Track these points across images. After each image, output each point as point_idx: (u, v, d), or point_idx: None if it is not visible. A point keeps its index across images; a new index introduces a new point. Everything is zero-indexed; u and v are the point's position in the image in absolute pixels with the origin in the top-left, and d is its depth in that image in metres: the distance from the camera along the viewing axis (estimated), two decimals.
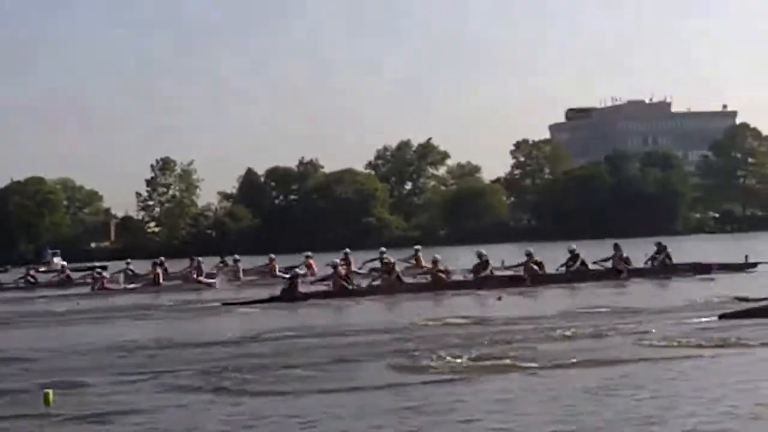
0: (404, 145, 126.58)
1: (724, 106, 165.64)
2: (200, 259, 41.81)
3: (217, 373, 14.45)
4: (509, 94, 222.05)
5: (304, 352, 16.77)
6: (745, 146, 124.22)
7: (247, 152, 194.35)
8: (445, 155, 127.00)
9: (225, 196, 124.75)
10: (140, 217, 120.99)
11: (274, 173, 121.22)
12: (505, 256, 35.16)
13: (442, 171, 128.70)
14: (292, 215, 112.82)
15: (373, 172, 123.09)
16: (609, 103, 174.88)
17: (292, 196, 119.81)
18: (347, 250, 39.72)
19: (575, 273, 31.30)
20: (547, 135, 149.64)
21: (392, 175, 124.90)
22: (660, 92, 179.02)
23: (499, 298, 26.57)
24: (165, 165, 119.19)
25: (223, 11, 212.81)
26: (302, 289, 29.56)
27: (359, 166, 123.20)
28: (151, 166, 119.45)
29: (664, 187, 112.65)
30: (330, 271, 30.74)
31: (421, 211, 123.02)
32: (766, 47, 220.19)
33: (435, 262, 31.64)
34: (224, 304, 28.05)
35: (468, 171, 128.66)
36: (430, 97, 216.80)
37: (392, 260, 33.94)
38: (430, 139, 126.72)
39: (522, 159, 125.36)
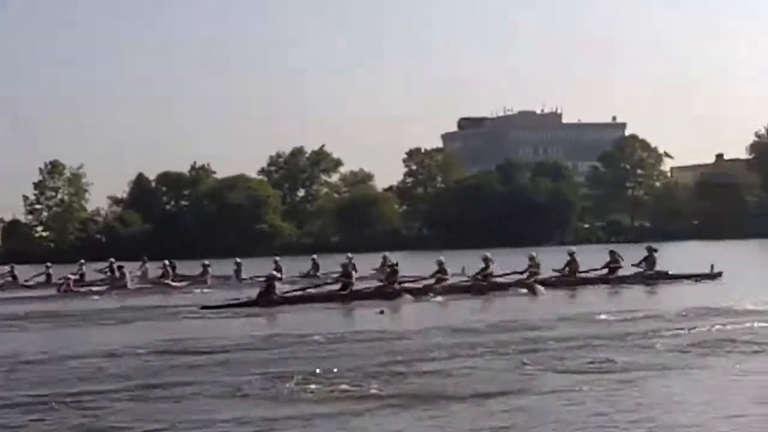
0: (298, 152, 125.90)
1: (614, 118, 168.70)
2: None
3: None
4: (403, 103, 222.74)
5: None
6: (633, 157, 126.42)
7: (139, 156, 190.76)
8: (339, 162, 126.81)
9: (115, 201, 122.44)
10: (28, 221, 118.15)
11: (166, 178, 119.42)
12: (401, 264, 35.21)
13: (335, 178, 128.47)
14: (183, 221, 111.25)
15: (266, 179, 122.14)
16: (501, 113, 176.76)
17: (184, 202, 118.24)
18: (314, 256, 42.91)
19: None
20: (439, 144, 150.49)
21: (285, 181, 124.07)
22: (551, 103, 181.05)
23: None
24: (54, 168, 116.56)
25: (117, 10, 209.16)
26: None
27: (252, 172, 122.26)
28: (40, 169, 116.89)
29: (554, 197, 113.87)
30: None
31: (313, 218, 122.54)
32: (652, 60, 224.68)
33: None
34: (203, 307, 28.28)
35: (361, 179, 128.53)
36: (324, 104, 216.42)
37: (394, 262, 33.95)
38: (323, 146, 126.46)
39: (414, 167, 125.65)
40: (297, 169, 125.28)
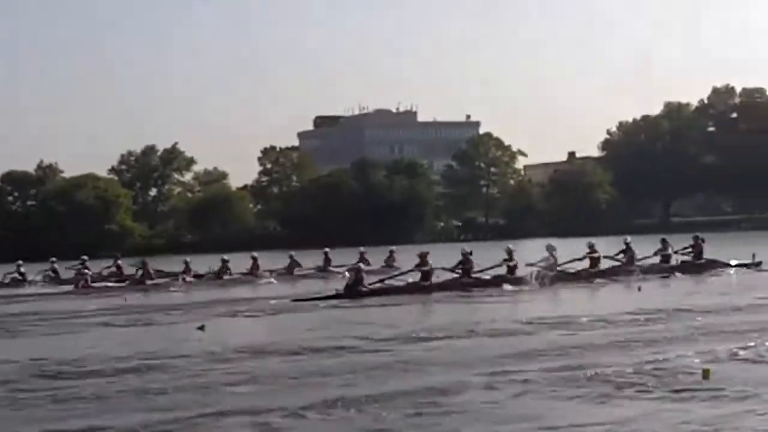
0: (149, 150, 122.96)
1: (468, 117, 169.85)
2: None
3: None
4: (260, 103, 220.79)
5: None
6: (488, 156, 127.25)
7: None
8: (191, 161, 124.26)
9: None
10: None
11: (11, 177, 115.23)
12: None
13: (188, 177, 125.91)
14: (29, 221, 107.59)
15: (116, 178, 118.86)
16: (357, 112, 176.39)
17: (30, 202, 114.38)
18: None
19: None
20: (295, 142, 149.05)
21: (137, 180, 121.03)
22: (407, 102, 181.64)
23: None
24: None
25: None
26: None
27: (102, 171, 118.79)
28: None
29: (410, 195, 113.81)
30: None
31: (166, 218, 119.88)
32: (506, 59, 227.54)
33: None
34: (294, 300, 28.70)
35: (215, 177, 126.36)
36: (176, 103, 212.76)
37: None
38: (176, 144, 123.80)
39: (269, 166, 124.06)
40: (149, 168, 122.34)
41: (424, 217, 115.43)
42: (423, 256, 31.35)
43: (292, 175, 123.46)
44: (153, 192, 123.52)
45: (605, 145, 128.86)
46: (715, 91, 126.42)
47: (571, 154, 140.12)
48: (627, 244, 35.12)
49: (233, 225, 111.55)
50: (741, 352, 15.01)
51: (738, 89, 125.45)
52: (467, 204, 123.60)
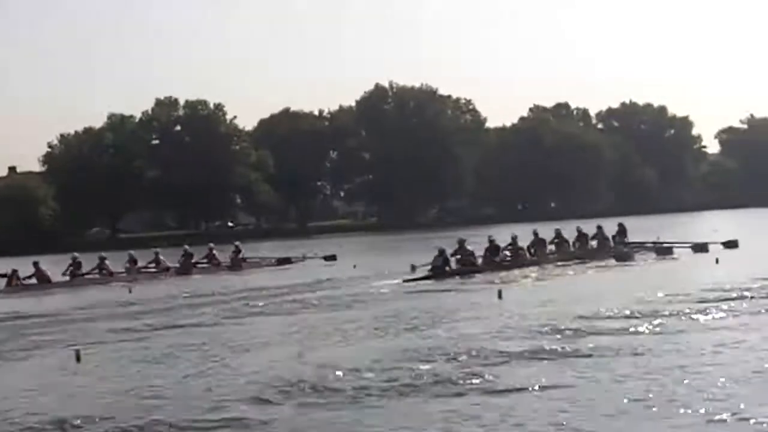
0: None
1: None
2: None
3: None
4: None
5: None
6: None
7: None
8: None
9: None
10: None
11: None
12: None
13: None
14: None
15: None
16: None
17: None
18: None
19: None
20: None
21: None
22: None
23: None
24: None
25: None
26: None
27: None
28: None
29: None
30: None
31: None
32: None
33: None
34: (405, 281, 30.45)
35: None
36: None
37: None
38: None
39: None
40: None
41: None
42: None
43: None
44: None
45: (47, 159, 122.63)
46: (159, 103, 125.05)
47: (12, 169, 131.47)
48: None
49: None
50: None
51: (182, 101, 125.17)
52: None
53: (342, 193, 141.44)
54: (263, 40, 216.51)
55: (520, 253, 35.49)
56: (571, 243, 38.09)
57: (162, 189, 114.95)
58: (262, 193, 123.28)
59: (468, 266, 33.16)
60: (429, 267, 32.43)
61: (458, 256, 33.79)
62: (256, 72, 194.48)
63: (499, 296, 23.32)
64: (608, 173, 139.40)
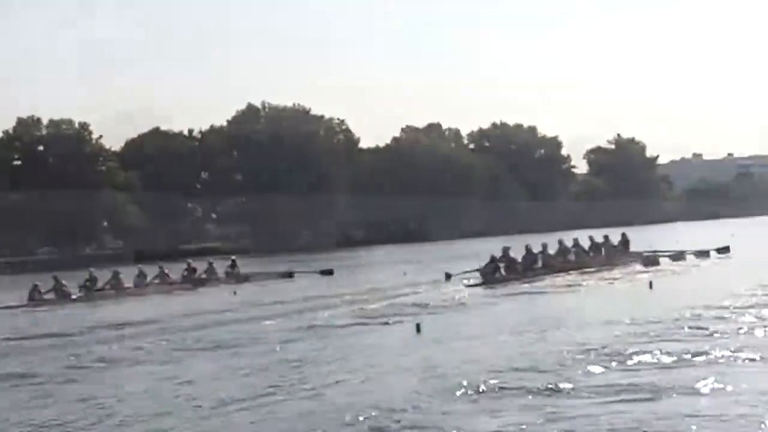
0: None
1: None
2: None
3: None
4: None
5: None
6: None
7: None
8: None
9: None
10: None
11: None
12: None
13: None
14: None
15: None
16: None
17: None
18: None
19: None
20: None
21: None
22: None
23: None
24: None
25: None
26: None
27: None
28: None
29: None
30: None
31: None
32: None
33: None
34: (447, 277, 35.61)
35: None
36: None
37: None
38: None
39: None
40: None
41: None
42: None
43: None
44: None
45: None
46: (21, 122, 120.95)
47: None
48: None
49: None
50: None
51: (45, 120, 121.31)
52: None
53: (214, 215, 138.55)
54: (135, 58, 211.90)
55: (560, 260, 38.31)
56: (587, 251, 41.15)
57: (25, 210, 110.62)
58: (130, 215, 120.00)
59: (513, 273, 35.56)
60: (472, 272, 35.64)
61: (503, 264, 36.11)
62: (129, 91, 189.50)
63: (650, 287, 28.34)
64: (479, 193, 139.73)
